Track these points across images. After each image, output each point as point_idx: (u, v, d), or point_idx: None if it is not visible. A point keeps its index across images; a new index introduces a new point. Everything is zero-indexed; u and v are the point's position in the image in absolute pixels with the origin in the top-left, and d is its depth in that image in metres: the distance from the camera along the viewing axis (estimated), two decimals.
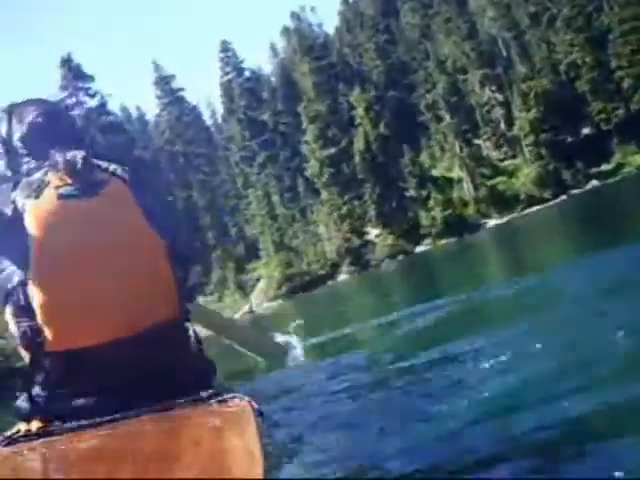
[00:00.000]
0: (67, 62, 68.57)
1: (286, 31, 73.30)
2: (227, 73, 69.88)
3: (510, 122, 58.83)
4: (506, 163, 59.04)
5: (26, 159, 2.49)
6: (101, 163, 2.40)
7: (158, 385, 2.11)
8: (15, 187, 2.36)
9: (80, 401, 2.14)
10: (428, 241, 56.17)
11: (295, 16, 70.86)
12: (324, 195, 61.47)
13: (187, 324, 2.38)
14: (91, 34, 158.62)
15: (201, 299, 64.21)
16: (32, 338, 2.20)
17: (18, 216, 2.26)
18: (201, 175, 70.92)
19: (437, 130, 61.11)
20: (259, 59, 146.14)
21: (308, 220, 62.98)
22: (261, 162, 66.11)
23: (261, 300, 60.30)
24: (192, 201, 71.14)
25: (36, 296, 2.21)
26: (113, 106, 73.15)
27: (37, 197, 2.28)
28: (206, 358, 2.45)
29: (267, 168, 65.49)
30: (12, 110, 2.60)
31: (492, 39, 62.92)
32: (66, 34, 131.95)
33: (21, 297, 2.23)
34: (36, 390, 2.21)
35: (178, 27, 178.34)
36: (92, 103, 69.62)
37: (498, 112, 60.29)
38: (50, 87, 72.82)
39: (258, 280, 63.76)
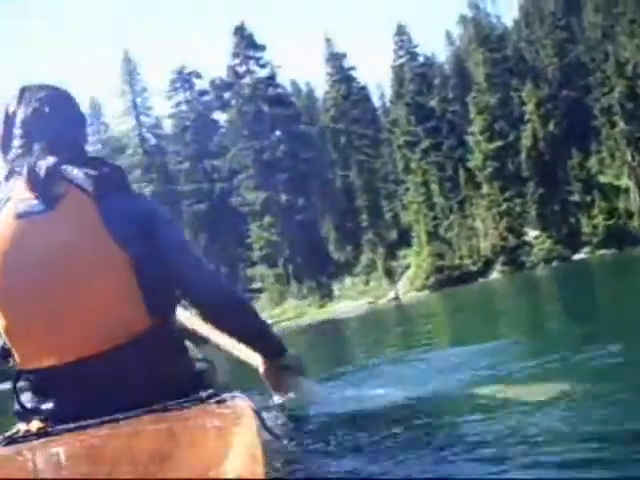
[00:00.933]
0: (240, 30, 71.94)
1: (463, 20, 74.32)
2: (400, 57, 71.23)
3: None
4: None
5: (20, 142, 2.53)
6: (66, 170, 2.39)
7: (127, 400, 2.12)
8: None
9: (57, 414, 2.23)
10: (587, 249, 56.19)
11: (474, 5, 71.77)
12: (485, 189, 62.01)
13: (168, 333, 2.43)
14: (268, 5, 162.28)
15: (348, 280, 66.57)
16: (4, 356, 2.36)
17: None
18: (362, 156, 72.61)
19: (609, 136, 60.43)
20: (433, 46, 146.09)
21: (465, 213, 63.31)
22: (424, 148, 66.89)
23: (407, 289, 61.42)
24: (349, 181, 73.04)
25: None
26: (284, 80, 75.59)
27: None
28: (191, 365, 2.57)
29: (429, 156, 66.32)
30: (24, 91, 2.63)
31: None
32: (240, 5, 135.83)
33: None
34: (26, 396, 2.34)
35: (351, 5, 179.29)
36: (262, 73, 73.27)
37: None
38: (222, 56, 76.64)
39: (407, 268, 64.73)
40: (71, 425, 2.05)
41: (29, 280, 2.28)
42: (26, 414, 2.30)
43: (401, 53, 71.68)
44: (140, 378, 2.27)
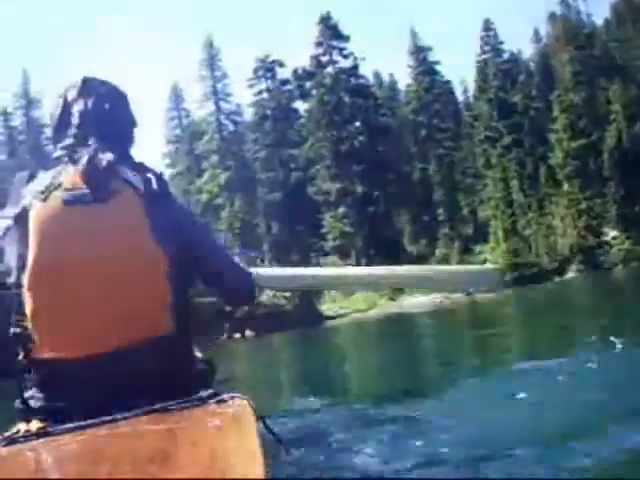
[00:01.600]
0: (325, 19, 73.58)
1: (553, 17, 74.93)
2: (485, 52, 72.84)
3: None
4: None
5: (75, 131, 2.58)
6: (121, 169, 2.44)
7: (136, 399, 2.14)
8: (31, 179, 2.48)
9: (66, 408, 2.23)
10: None
11: (564, 3, 72.46)
12: (565, 187, 62.93)
13: (184, 340, 2.45)
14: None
15: None
16: (21, 342, 2.31)
17: (24, 215, 2.35)
18: (441, 149, 74.08)
19: None
20: (519, 43, 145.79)
21: (544, 211, 64.08)
22: (505, 144, 67.99)
23: None
24: (427, 174, 74.33)
25: (26, 302, 2.29)
26: (367, 71, 76.43)
27: (44, 200, 2.35)
28: (194, 368, 2.58)
29: (510, 152, 67.34)
30: (86, 83, 2.68)
31: None
32: None
33: (14, 298, 2.33)
34: (32, 392, 2.35)
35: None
36: (344, 64, 74.67)
37: None
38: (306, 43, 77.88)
39: (483, 264, 64.27)
40: (71, 425, 2.07)
41: (66, 268, 2.31)
42: (28, 412, 2.33)
43: (486, 48, 73.19)
44: (149, 380, 2.29)
